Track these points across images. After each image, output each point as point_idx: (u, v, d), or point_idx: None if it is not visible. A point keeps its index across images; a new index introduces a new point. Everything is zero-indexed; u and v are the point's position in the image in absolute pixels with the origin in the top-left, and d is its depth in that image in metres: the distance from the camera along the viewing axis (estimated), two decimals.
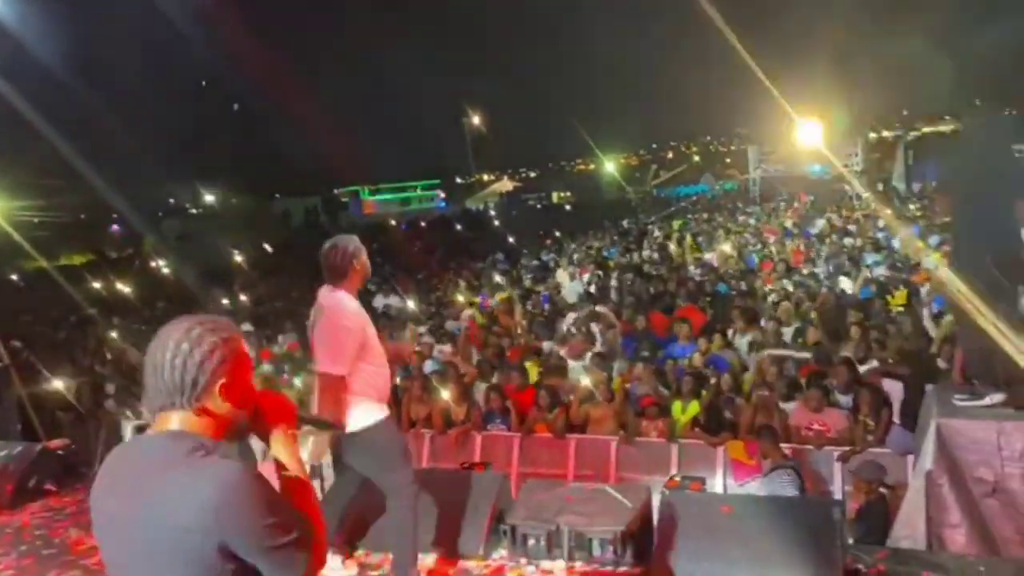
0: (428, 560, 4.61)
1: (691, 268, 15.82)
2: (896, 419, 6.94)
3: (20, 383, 9.73)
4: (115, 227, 41.41)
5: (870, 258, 14.78)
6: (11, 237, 15.57)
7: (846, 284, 12.90)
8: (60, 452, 6.62)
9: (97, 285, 20.98)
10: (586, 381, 8.44)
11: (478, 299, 14.63)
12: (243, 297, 17.50)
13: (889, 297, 11.09)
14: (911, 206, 22.74)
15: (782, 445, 6.83)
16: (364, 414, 3.97)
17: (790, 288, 12.41)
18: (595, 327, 11.16)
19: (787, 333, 10.11)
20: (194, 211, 45.25)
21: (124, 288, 20.02)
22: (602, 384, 8.22)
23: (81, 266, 28.60)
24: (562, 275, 15.48)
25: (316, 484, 8.26)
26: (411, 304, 14.82)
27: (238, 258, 22.87)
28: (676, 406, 7.94)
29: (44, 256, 23.14)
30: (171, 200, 44.60)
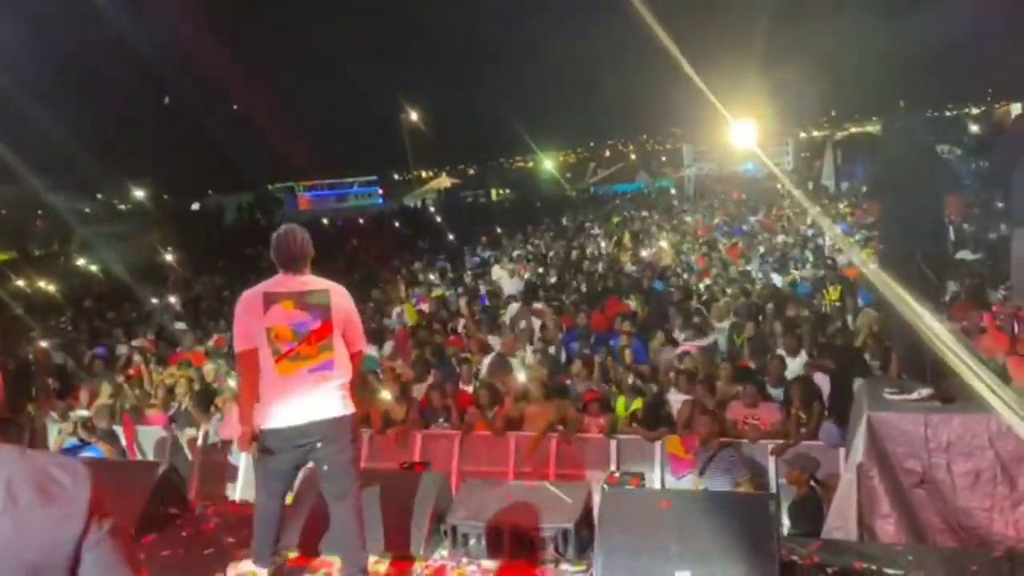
0: (368, 561, 4.55)
1: (628, 265, 15.99)
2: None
3: None
4: (39, 223, 39.93)
5: (799, 255, 15.16)
6: None
7: (777, 280, 13.21)
8: None
9: (20, 283, 20.21)
10: (521, 378, 8.44)
11: (412, 299, 14.51)
12: (173, 297, 17.03)
13: (824, 292, 11.40)
14: (840, 204, 23.37)
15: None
16: (349, 399, 3.96)
17: (725, 285, 12.64)
18: (534, 323, 11.20)
19: (722, 329, 10.29)
20: (123, 207, 43.89)
21: (49, 286, 19.31)
22: (538, 381, 8.22)
23: (3, 263, 27.50)
24: (500, 272, 15.47)
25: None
26: None
27: (169, 256, 22.27)
28: (620, 402, 8.01)
29: None
30: (99, 196, 43.16)
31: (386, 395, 8.63)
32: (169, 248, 23.18)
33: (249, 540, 4.89)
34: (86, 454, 7.23)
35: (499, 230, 24.27)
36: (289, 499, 6.74)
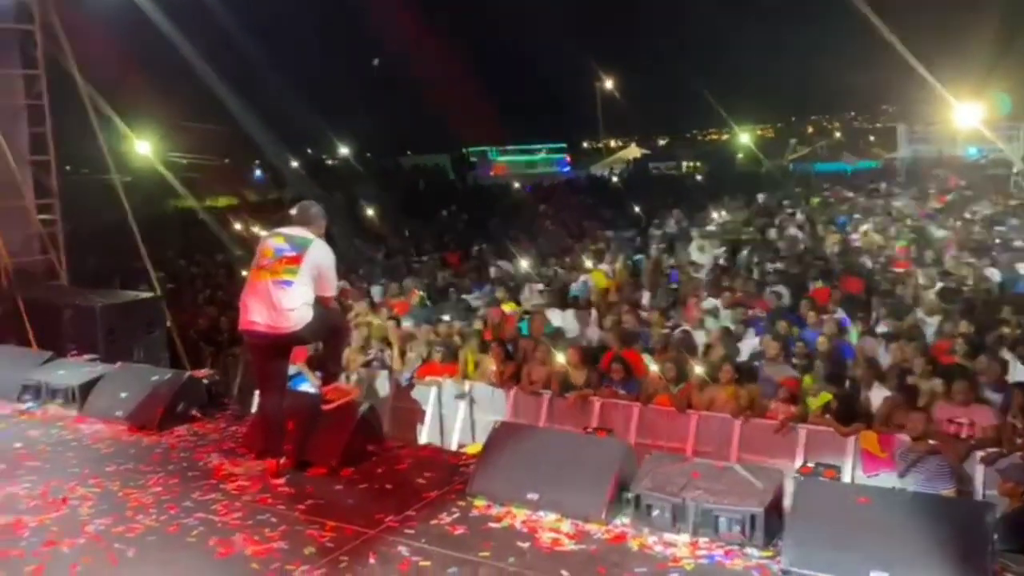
0: (549, 518, 4.64)
1: (830, 249, 15.12)
2: None
3: (170, 315, 10.41)
4: (257, 173, 43.29)
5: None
6: (162, 177, 16.46)
7: (994, 274, 12.09)
8: (205, 381, 6.99)
9: (238, 227, 22.01)
10: (699, 369, 8.21)
11: (601, 267, 14.44)
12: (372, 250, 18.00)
13: None
14: None
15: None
16: (299, 320, 5.03)
17: (936, 277, 11.70)
18: (719, 302, 10.90)
19: (931, 324, 9.56)
20: (330, 163, 46.54)
21: (264, 231, 20.86)
22: (728, 366, 7.97)
23: (224, 208, 30.05)
24: (693, 248, 15.11)
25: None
26: (525, 266, 14.91)
27: (369, 211, 23.44)
28: (808, 379, 7.69)
29: (192, 197, 24.44)
30: (308, 151, 46.02)
31: (563, 358, 8.72)
32: (369, 204, 24.39)
33: (439, 483, 5.15)
34: (301, 386, 7.83)
35: (689, 203, 23.70)
36: (476, 448, 7.03)
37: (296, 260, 4.99)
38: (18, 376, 7.18)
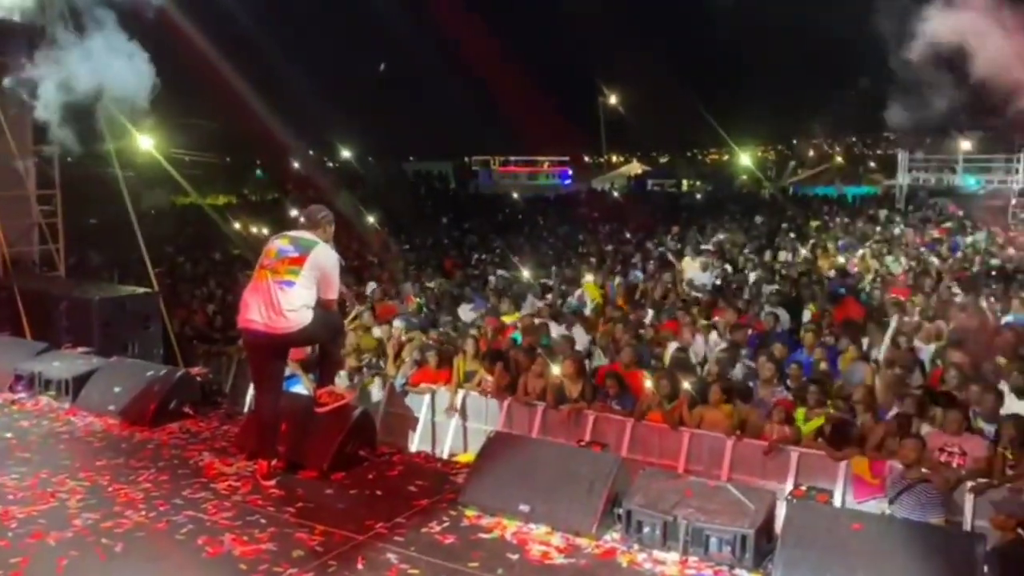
0: (539, 530, 4.63)
1: (827, 273, 15.14)
2: None
3: (166, 311, 10.38)
4: (258, 172, 43.28)
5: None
6: (162, 172, 16.43)
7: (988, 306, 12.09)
8: (199, 379, 6.97)
9: (237, 225, 22.01)
10: (686, 385, 8.21)
11: (596, 281, 14.38)
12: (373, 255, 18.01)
13: None
14: None
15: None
16: (299, 321, 5.06)
17: (932, 305, 11.71)
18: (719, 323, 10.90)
19: (926, 352, 9.58)
20: (331, 165, 46.48)
21: (263, 231, 20.83)
22: (718, 386, 7.98)
23: (224, 207, 30.03)
24: (689, 263, 15.09)
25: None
26: (527, 276, 14.89)
27: (370, 218, 23.40)
28: (800, 414, 7.67)
29: (192, 194, 24.44)
30: (310, 152, 45.92)
31: (558, 370, 8.72)
32: (370, 208, 24.35)
33: (430, 491, 5.14)
34: (293, 387, 7.80)
35: (688, 222, 23.74)
36: (468, 457, 7.02)
37: (299, 261, 5.01)
38: (11, 366, 7.17)
